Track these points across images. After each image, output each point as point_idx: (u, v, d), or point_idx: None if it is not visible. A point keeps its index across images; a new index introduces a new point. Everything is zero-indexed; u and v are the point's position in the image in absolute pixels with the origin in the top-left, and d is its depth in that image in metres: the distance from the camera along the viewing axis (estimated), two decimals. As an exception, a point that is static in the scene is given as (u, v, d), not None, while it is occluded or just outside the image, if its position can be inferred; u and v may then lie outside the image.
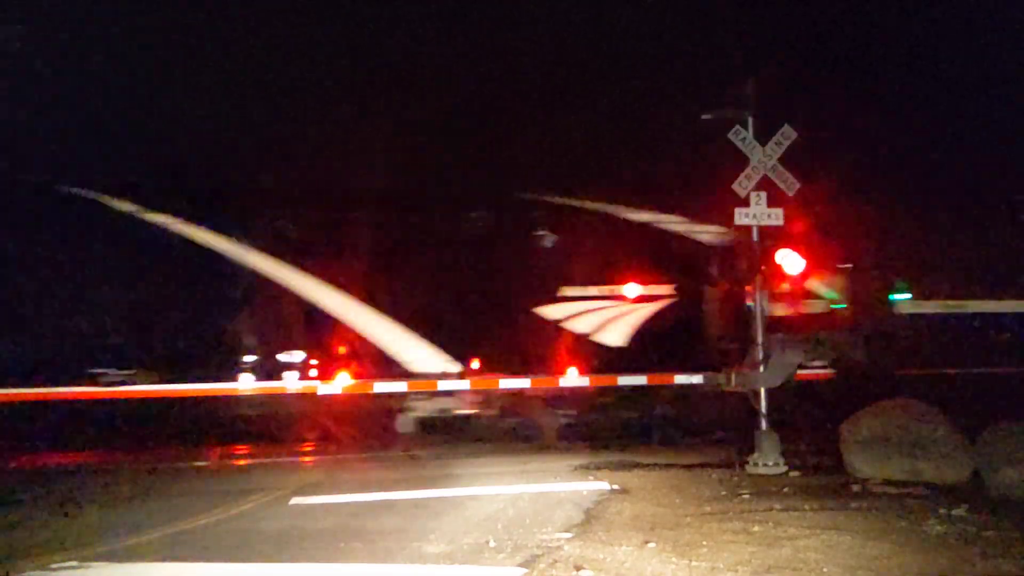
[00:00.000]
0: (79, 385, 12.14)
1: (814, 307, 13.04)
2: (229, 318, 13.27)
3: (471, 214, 13.71)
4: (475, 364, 12.45)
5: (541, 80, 17.28)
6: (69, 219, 13.37)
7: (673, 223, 13.71)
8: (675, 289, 13.52)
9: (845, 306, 13.54)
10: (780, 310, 11.09)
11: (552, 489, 7.97)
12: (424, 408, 12.21)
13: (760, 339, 9.27)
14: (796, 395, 10.86)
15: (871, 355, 13.03)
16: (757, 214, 9.31)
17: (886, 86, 18.29)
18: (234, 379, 12.58)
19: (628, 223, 13.89)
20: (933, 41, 18.47)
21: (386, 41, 18.35)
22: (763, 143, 9.35)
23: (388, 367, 12.31)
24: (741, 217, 9.31)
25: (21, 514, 7.46)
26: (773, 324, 9.59)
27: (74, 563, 5.56)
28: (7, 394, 11.82)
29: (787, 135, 9.35)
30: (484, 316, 13.22)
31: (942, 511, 6.45)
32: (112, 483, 9.15)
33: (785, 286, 10.17)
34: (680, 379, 11.82)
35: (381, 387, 11.59)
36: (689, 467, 9.22)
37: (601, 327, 13.29)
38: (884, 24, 19.17)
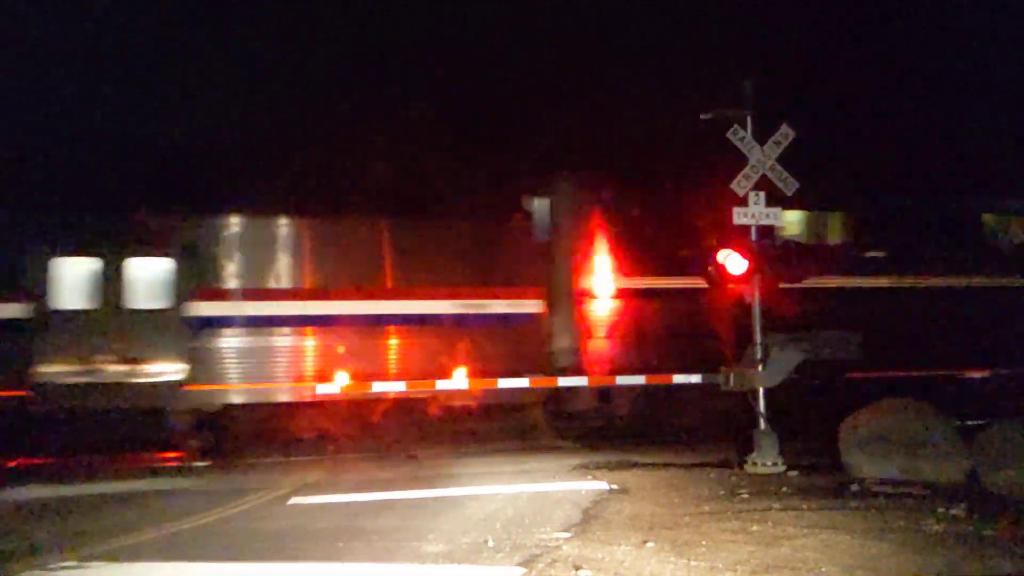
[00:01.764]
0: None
1: None
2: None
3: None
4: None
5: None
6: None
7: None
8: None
9: None
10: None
11: (551, 489, 7.97)
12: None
13: (759, 338, 9.27)
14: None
15: None
16: (756, 213, 9.31)
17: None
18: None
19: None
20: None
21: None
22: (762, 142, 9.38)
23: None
24: (740, 216, 9.30)
25: (18, 514, 7.46)
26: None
27: (73, 563, 5.55)
28: None
29: (786, 134, 9.35)
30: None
31: (941, 510, 6.46)
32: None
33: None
34: (679, 379, 11.79)
35: (380, 387, 11.52)
36: (688, 467, 9.23)
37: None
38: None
